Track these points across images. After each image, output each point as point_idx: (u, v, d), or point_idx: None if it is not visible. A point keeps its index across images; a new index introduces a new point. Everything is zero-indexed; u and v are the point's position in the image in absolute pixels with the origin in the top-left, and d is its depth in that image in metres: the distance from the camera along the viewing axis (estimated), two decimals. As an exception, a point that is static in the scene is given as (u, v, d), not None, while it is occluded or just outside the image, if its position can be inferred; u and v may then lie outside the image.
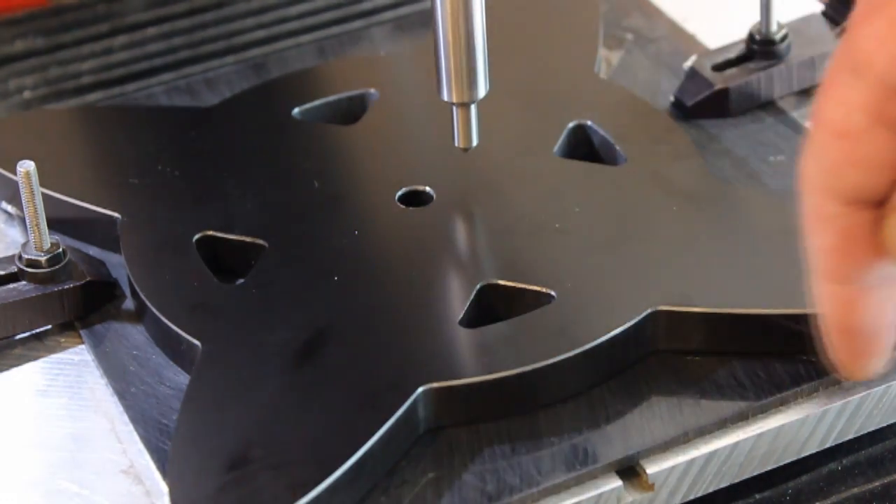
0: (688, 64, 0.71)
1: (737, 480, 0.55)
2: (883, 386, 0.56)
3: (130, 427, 0.56)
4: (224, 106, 0.70)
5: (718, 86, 0.69)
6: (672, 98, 0.70)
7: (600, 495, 0.53)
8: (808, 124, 0.44)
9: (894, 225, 0.42)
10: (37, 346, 0.60)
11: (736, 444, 0.54)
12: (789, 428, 0.55)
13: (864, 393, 0.56)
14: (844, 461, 0.57)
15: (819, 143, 0.43)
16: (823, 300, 0.45)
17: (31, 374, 0.59)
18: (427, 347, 0.56)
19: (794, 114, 0.69)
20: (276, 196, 0.64)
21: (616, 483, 0.53)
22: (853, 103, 0.42)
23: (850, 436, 0.56)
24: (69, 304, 0.60)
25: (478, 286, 0.58)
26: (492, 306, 0.58)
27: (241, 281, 0.60)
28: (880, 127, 0.41)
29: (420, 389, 0.53)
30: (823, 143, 0.43)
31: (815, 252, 0.44)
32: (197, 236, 0.61)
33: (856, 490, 0.56)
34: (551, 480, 0.52)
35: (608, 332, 0.55)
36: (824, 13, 0.73)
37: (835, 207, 0.43)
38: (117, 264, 0.62)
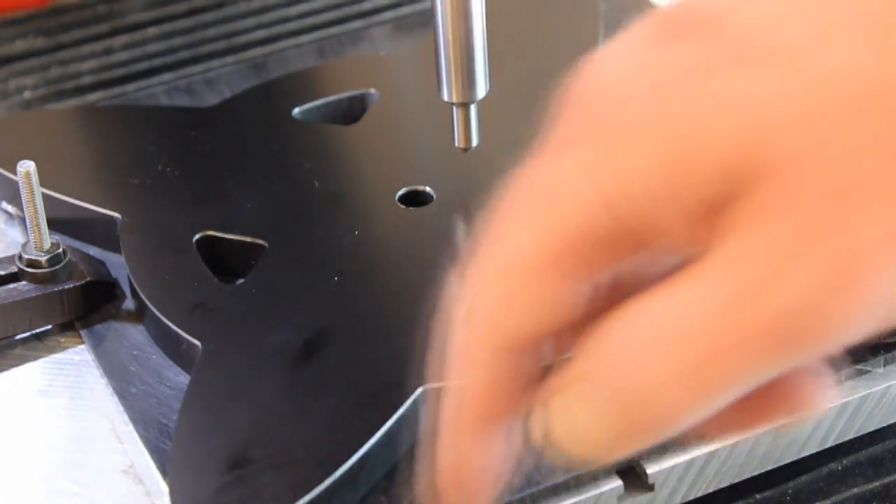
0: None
1: (737, 480, 0.55)
2: (883, 386, 0.56)
3: (131, 427, 0.56)
4: (224, 106, 0.70)
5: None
6: (672, 98, 0.70)
7: (600, 495, 0.53)
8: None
9: (567, 403, 0.38)
10: (37, 346, 0.60)
11: (736, 444, 0.54)
12: (789, 428, 0.55)
13: (864, 393, 0.56)
14: (844, 461, 0.57)
15: (481, 278, 0.39)
16: (445, 448, 0.40)
17: (31, 374, 0.59)
18: (427, 347, 0.56)
19: None
20: (276, 196, 0.64)
21: (616, 483, 0.53)
22: (532, 240, 0.37)
23: (851, 436, 0.56)
24: (69, 304, 0.60)
25: (478, 286, 0.58)
26: (492, 306, 0.58)
27: (241, 281, 0.60)
28: (557, 270, 0.37)
29: (420, 389, 0.53)
30: (486, 279, 0.38)
31: (449, 395, 0.40)
32: (197, 236, 0.61)
33: (856, 490, 0.56)
34: (551, 480, 0.52)
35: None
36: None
37: (487, 353, 0.39)
38: (117, 264, 0.62)
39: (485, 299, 0.39)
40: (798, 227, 0.35)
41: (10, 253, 0.62)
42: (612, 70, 0.38)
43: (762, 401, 0.38)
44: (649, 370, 0.36)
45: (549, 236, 0.37)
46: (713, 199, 0.35)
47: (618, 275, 0.38)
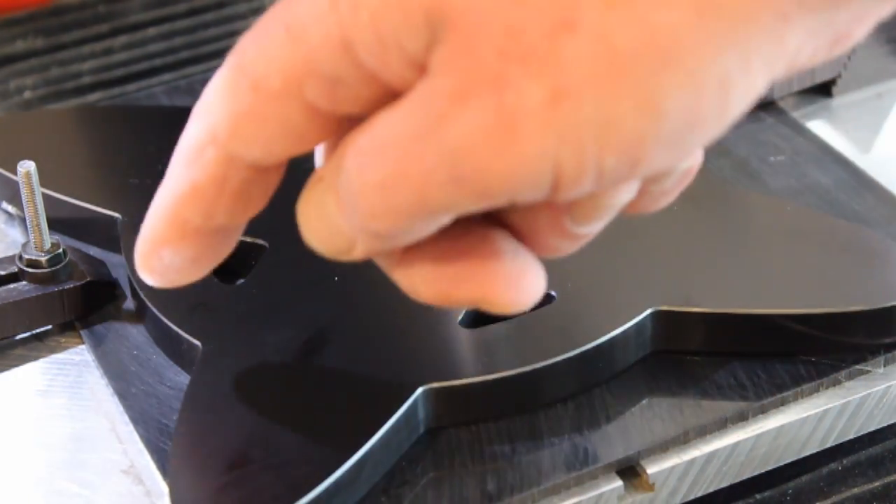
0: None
1: (737, 480, 0.55)
2: (883, 386, 0.56)
3: (131, 427, 0.56)
4: (224, 106, 0.70)
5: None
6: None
7: (600, 495, 0.53)
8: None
9: (307, 203, 0.44)
10: (37, 346, 0.60)
11: (736, 444, 0.54)
12: (789, 428, 0.55)
13: (864, 393, 0.56)
14: (845, 461, 0.57)
15: (230, 84, 0.42)
16: (150, 219, 0.46)
17: (31, 374, 0.59)
18: (427, 347, 0.56)
19: (794, 114, 0.69)
20: (276, 196, 0.64)
21: (616, 483, 0.53)
22: (276, 63, 0.41)
23: (851, 436, 0.56)
24: (69, 304, 0.60)
25: (478, 286, 0.58)
26: (492, 306, 0.58)
27: (241, 281, 0.60)
28: (294, 97, 0.41)
29: (420, 389, 0.53)
30: (234, 87, 0.42)
31: (169, 180, 0.45)
32: (197, 236, 0.61)
33: (856, 490, 0.56)
34: (551, 480, 0.52)
35: (608, 332, 0.55)
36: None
37: (217, 153, 0.43)
38: (117, 264, 0.62)
39: (223, 106, 0.42)
40: (471, 77, 0.38)
41: (10, 253, 0.62)
42: None
43: (469, 268, 0.43)
44: (355, 175, 0.41)
45: (292, 64, 0.41)
46: (422, 46, 0.39)
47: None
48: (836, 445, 0.56)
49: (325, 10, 0.40)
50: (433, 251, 0.43)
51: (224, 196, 0.44)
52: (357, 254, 0.44)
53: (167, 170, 0.45)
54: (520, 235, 0.44)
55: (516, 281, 0.43)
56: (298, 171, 0.65)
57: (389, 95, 0.41)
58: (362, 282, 0.59)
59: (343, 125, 0.42)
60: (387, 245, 0.43)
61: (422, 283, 0.44)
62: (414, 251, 0.44)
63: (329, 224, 0.43)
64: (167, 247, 0.46)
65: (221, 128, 0.43)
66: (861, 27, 0.40)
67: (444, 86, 0.39)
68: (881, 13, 0.40)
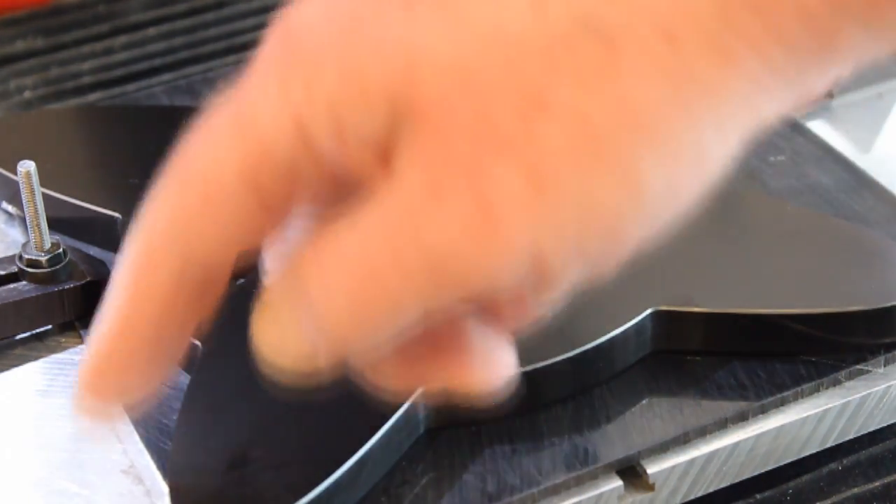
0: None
1: (737, 480, 0.55)
2: (883, 386, 0.56)
3: (131, 427, 0.56)
4: (224, 106, 0.70)
5: (718, 86, 0.69)
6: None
7: (600, 495, 0.53)
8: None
9: (264, 319, 0.41)
10: (37, 346, 0.60)
11: (736, 444, 0.54)
12: (789, 428, 0.55)
13: (864, 393, 0.56)
14: (845, 461, 0.57)
15: (171, 190, 0.40)
16: (91, 350, 0.43)
17: (31, 374, 0.59)
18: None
19: (794, 114, 0.69)
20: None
21: (616, 483, 0.53)
22: (223, 159, 0.39)
23: (851, 436, 0.56)
24: (69, 304, 0.60)
25: (478, 286, 0.58)
26: (492, 306, 0.58)
27: (241, 281, 0.60)
28: (244, 192, 0.39)
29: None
30: (176, 191, 0.40)
31: (111, 305, 0.42)
32: (197, 236, 0.61)
33: (856, 490, 0.56)
34: (551, 480, 0.52)
35: (608, 332, 0.55)
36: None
37: (164, 261, 0.41)
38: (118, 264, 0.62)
39: (173, 210, 0.40)
40: (444, 170, 0.36)
41: (10, 253, 0.62)
42: (310, 11, 0.39)
43: (438, 359, 0.41)
44: (320, 296, 0.38)
45: (243, 154, 0.39)
46: (383, 133, 0.37)
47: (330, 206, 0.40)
48: (836, 445, 0.56)
49: (275, 97, 0.38)
50: (399, 345, 0.41)
51: (179, 303, 0.42)
52: (323, 367, 0.41)
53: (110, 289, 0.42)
54: (482, 315, 0.42)
55: (489, 364, 0.42)
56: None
57: (347, 184, 0.39)
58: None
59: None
60: (357, 356, 0.41)
61: (392, 379, 0.42)
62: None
63: (293, 347, 0.41)
64: (126, 367, 0.43)
65: (174, 229, 0.40)
66: (824, 85, 0.40)
67: (416, 181, 0.37)
68: (844, 74, 0.39)
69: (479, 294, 0.38)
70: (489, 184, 0.36)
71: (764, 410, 0.55)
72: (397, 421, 0.53)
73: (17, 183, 0.59)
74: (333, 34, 0.38)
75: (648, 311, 0.56)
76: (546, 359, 0.54)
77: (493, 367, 0.42)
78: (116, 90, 0.75)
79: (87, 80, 0.76)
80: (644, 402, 0.55)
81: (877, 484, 0.56)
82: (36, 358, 0.60)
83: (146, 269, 0.41)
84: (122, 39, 0.79)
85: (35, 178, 0.58)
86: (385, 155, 0.37)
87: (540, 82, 0.36)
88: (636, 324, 0.56)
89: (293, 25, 0.39)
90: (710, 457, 0.54)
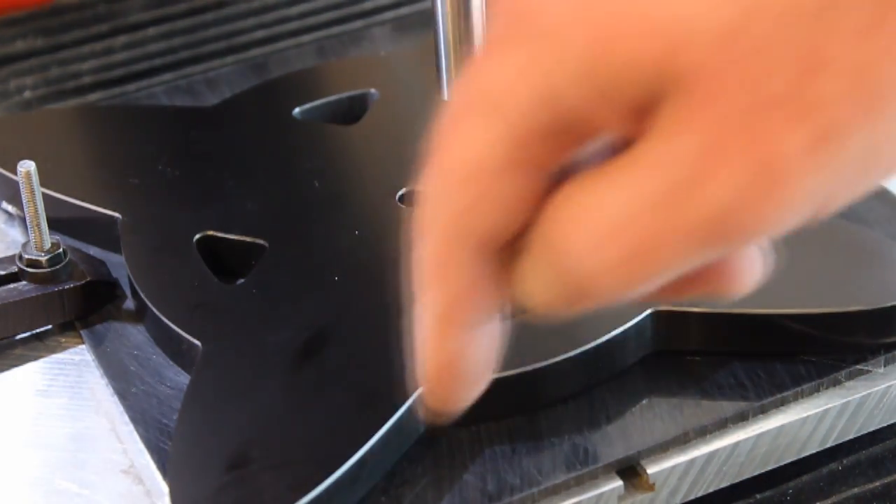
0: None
1: (737, 480, 0.55)
2: (883, 386, 0.56)
3: (131, 427, 0.56)
4: (224, 106, 0.70)
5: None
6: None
7: (600, 495, 0.53)
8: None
9: (525, 269, 0.40)
10: (37, 346, 0.60)
11: (736, 444, 0.54)
12: (789, 428, 0.55)
13: (864, 393, 0.56)
14: (845, 461, 0.57)
15: (443, 187, 0.41)
16: (432, 345, 0.42)
17: (31, 374, 0.59)
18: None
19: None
20: (276, 196, 0.64)
21: (616, 483, 0.53)
22: (484, 145, 0.39)
23: (851, 436, 0.56)
24: (69, 304, 0.60)
25: (478, 286, 0.58)
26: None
27: (241, 281, 0.60)
28: (513, 168, 0.39)
29: (420, 390, 0.53)
30: (449, 187, 0.40)
31: (433, 301, 0.42)
32: (197, 236, 0.61)
33: (856, 490, 0.56)
34: (551, 480, 0.52)
35: (608, 332, 0.55)
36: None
37: (463, 254, 0.41)
38: (117, 264, 0.62)
39: (452, 205, 0.40)
40: (720, 133, 0.37)
41: (10, 253, 0.62)
42: None
43: (692, 275, 0.41)
44: (586, 258, 0.39)
45: (497, 139, 0.39)
46: (640, 99, 0.38)
47: (566, 164, 0.40)
48: (836, 445, 0.56)
49: (513, 81, 0.39)
50: None
51: (489, 284, 0.42)
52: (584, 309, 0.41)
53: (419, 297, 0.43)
54: None
55: (743, 269, 0.43)
56: (299, 171, 0.65)
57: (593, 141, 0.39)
58: (363, 282, 0.59)
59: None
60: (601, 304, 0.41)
61: (649, 296, 0.42)
62: None
63: (552, 298, 0.41)
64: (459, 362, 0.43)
65: (462, 231, 0.41)
66: None
67: (691, 143, 0.37)
68: None
69: (755, 241, 0.40)
70: (772, 140, 0.37)
71: (764, 410, 0.55)
72: (397, 421, 0.53)
73: (17, 183, 0.59)
74: (570, 8, 0.39)
75: (648, 311, 0.56)
76: (546, 358, 0.55)
77: (748, 272, 0.43)
78: (116, 90, 0.75)
79: (87, 80, 0.76)
80: (644, 402, 0.55)
81: (877, 484, 0.56)
82: (36, 358, 0.60)
83: (450, 277, 0.41)
84: (122, 39, 0.79)
85: (35, 178, 0.58)
86: (639, 116, 0.38)
87: (814, 42, 0.37)
88: (636, 324, 0.56)
89: (521, 4, 0.40)
90: (710, 457, 0.54)
